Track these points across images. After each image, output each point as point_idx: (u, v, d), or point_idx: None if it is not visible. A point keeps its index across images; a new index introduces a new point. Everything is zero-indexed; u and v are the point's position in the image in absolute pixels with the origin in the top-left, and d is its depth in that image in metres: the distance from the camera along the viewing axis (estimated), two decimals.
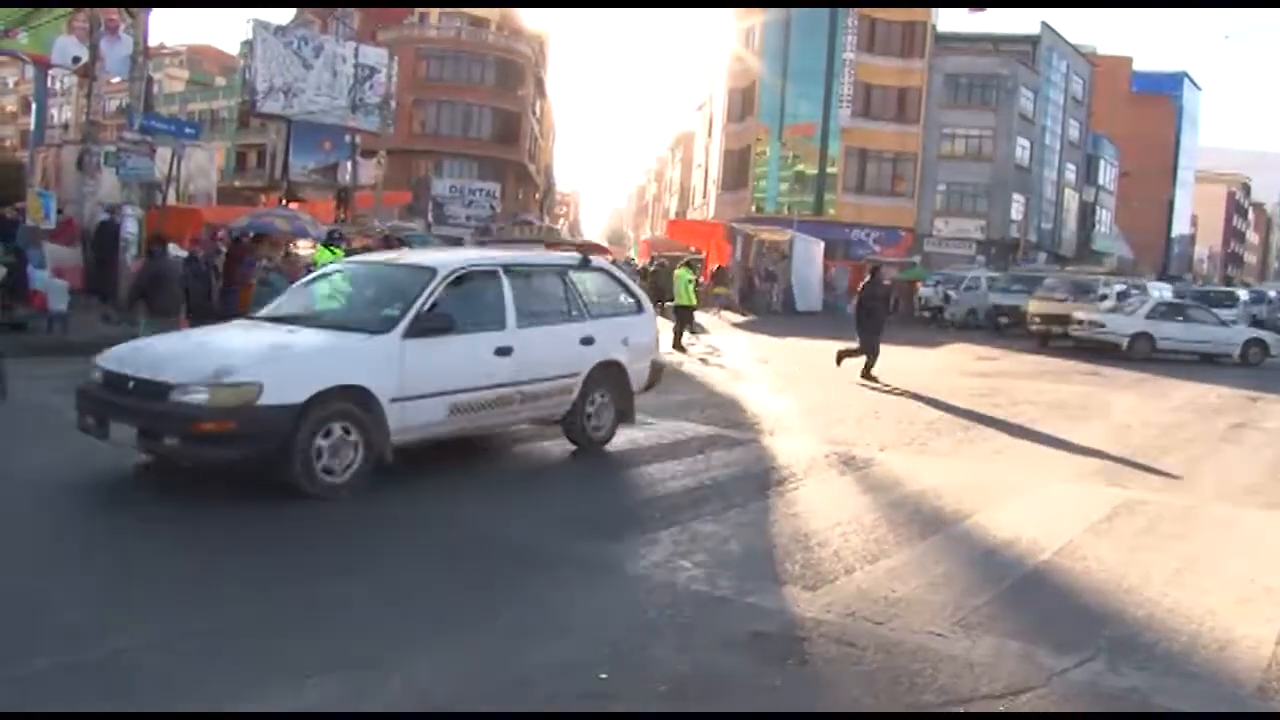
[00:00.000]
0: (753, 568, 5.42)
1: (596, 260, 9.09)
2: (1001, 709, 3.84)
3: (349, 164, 34.41)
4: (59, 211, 17.80)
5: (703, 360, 17.24)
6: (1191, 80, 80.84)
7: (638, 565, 5.33)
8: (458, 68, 57.56)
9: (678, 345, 18.53)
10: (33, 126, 43.12)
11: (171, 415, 5.99)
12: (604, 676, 3.92)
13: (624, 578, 5.14)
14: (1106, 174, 66.89)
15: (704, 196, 62.40)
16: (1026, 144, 52.62)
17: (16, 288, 13.96)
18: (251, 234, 18.30)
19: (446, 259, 7.81)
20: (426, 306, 6.89)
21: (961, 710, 3.82)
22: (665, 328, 22.99)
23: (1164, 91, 75.70)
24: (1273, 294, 35.06)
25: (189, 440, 6.00)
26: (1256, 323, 27.42)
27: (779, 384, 14.47)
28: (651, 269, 38.29)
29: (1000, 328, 29.10)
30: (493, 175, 56.41)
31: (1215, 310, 24.71)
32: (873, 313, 15.11)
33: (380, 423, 6.48)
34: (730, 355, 18.54)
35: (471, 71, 57.96)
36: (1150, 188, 69.23)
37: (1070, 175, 59.95)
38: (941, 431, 10.55)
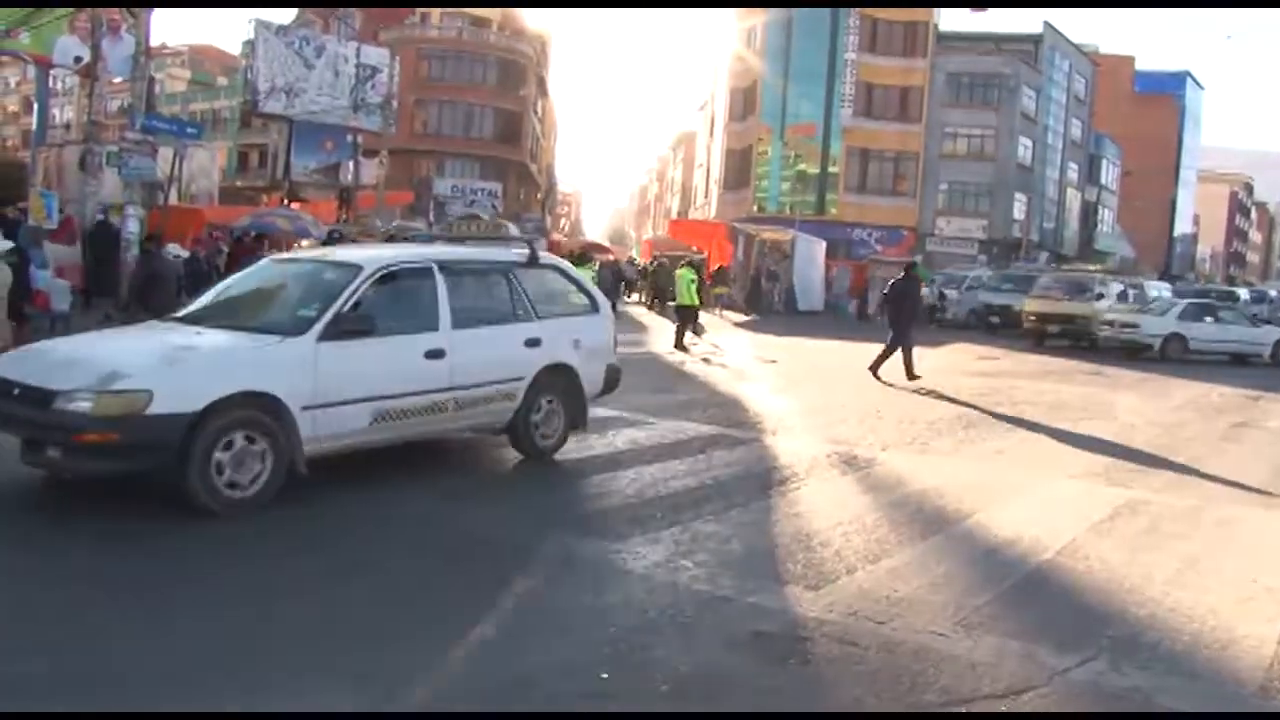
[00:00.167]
0: (754, 567, 5.42)
1: (546, 257, 8.54)
2: (1003, 709, 3.84)
3: (351, 164, 34.47)
4: (60, 211, 17.83)
5: (705, 360, 17.23)
6: (1194, 79, 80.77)
7: (639, 565, 5.33)
8: (459, 67, 57.59)
9: (679, 345, 18.55)
10: (34, 126, 43.15)
11: (53, 425, 5.53)
12: (605, 676, 3.92)
13: (625, 577, 5.13)
14: (1109, 173, 66.86)
15: (706, 196, 62.40)
16: (1029, 143, 52.61)
17: (19, 288, 13.96)
18: (253, 233, 18.34)
19: (374, 255, 7.30)
20: (347, 306, 6.45)
21: (963, 710, 3.82)
22: (666, 327, 23.15)
23: (1166, 91, 75.64)
24: (1274, 293, 35.01)
25: (71, 452, 5.55)
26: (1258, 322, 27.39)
27: (781, 383, 14.46)
28: (651, 268, 38.40)
29: (992, 327, 28.72)
30: (494, 175, 56.45)
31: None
32: (905, 310, 15.07)
33: (291, 432, 6.02)
34: (732, 355, 18.53)
35: (473, 71, 58.00)
36: (1152, 187, 69.21)
37: (1072, 174, 59.91)
38: (943, 431, 10.55)
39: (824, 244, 38.86)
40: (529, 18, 64.02)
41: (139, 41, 17.51)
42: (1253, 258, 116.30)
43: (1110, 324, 23.34)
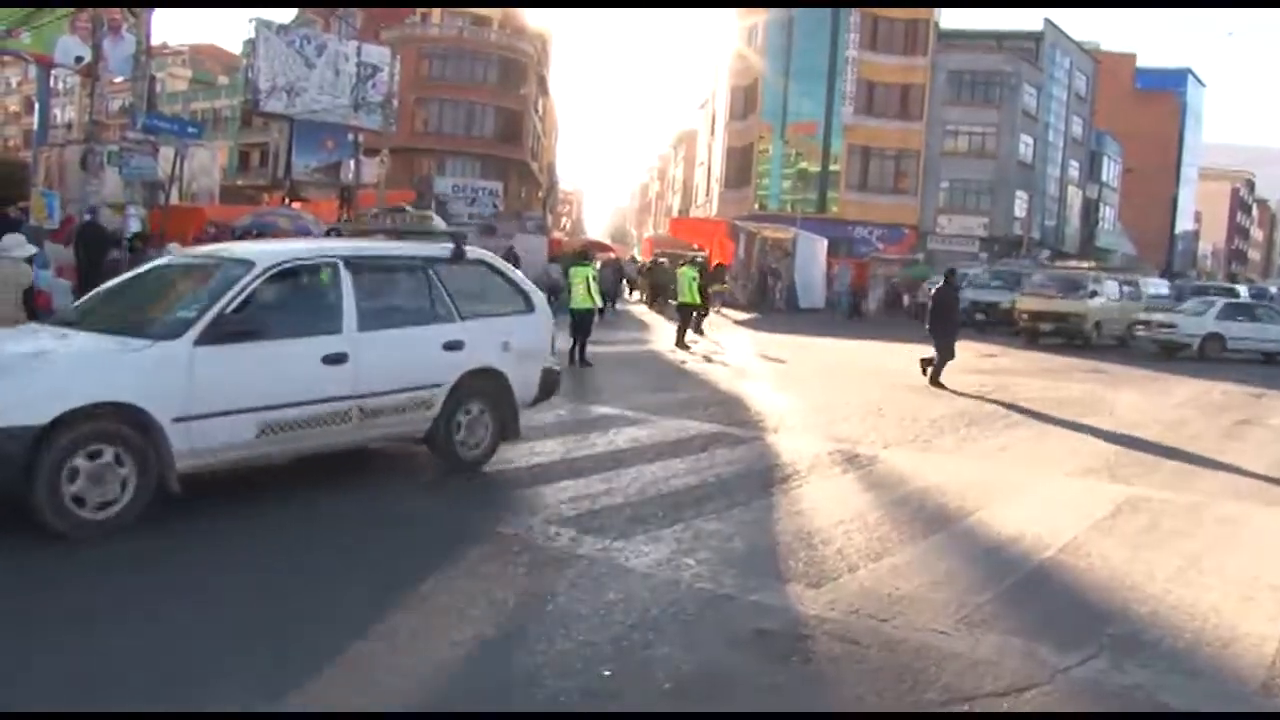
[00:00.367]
0: (756, 565, 5.43)
1: (473, 252, 7.79)
2: (1005, 707, 3.84)
3: (351, 163, 34.43)
4: (61, 210, 17.86)
5: (706, 358, 17.24)
6: (1195, 77, 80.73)
7: (641, 563, 5.33)
8: (460, 66, 57.57)
9: (680, 343, 18.58)
10: (36, 126, 43.23)
11: None
12: (608, 674, 3.92)
13: (627, 575, 5.14)
14: (1110, 171, 66.84)
15: (707, 194, 62.39)
16: (1030, 141, 52.59)
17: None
18: (255, 232, 18.34)
19: (270, 251, 6.74)
20: (231, 307, 5.87)
21: (965, 709, 3.82)
22: (665, 325, 23.17)
23: (1167, 88, 75.63)
24: (1274, 290, 34.99)
25: None
26: None
27: (782, 381, 14.47)
28: (648, 266, 38.42)
29: (979, 325, 28.17)
30: (495, 174, 56.42)
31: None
32: (945, 316, 14.81)
33: (160, 446, 5.46)
34: (733, 353, 18.54)
35: (474, 70, 57.98)
36: (1154, 184, 69.21)
37: (1074, 172, 59.89)
38: (944, 429, 10.55)
39: (825, 242, 38.89)
40: (530, 16, 64.08)
41: (140, 41, 17.56)
42: (1254, 255, 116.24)
43: (1147, 324, 23.67)
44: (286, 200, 33.35)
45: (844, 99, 49.75)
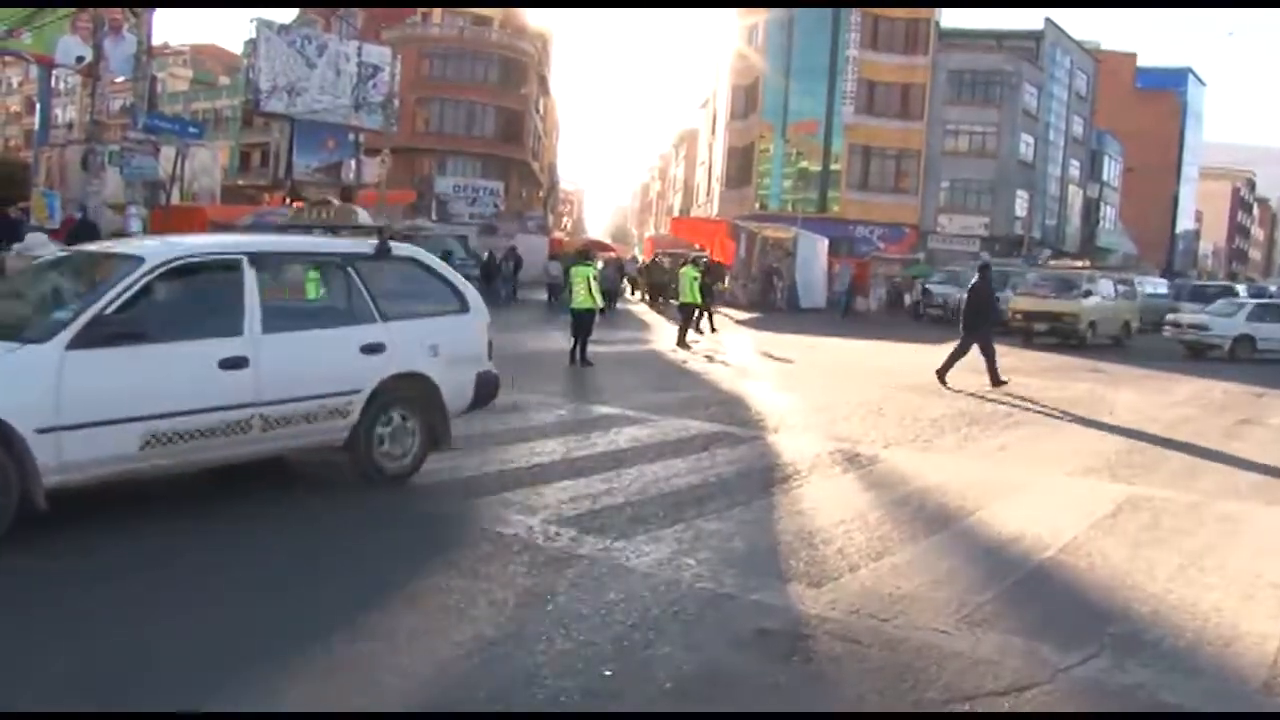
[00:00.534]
0: (757, 565, 5.42)
1: (400, 248, 7.23)
2: (1006, 706, 3.83)
3: (352, 162, 34.49)
4: (63, 210, 17.88)
5: (707, 357, 17.25)
6: (1196, 76, 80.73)
7: (642, 562, 5.33)
8: (461, 66, 57.61)
9: (682, 343, 18.61)
10: (37, 126, 43.26)
11: None
12: (608, 673, 3.92)
13: (628, 575, 5.13)
14: (1111, 170, 66.85)
15: (708, 194, 62.44)
16: (1030, 140, 52.59)
17: None
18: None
19: (165, 246, 6.20)
20: (112, 307, 5.37)
21: (966, 708, 3.81)
22: (664, 324, 23.18)
23: (1168, 87, 75.62)
24: (1273, 289, 34.95)
25: None
26: None
27: (783, 381, 14.47)
28: (646, 266, 38.47)
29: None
30: (496, 173, 56.45)
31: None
32: (981, 313, 14.62)
33: (22, 459, 4.97)
34: (734, 352, 18.54)
35: (475, 70, 58.02)
36: (1154, 183, 69.20)
37: (1074, 171, 59.89)
38: (945, 429, 10.55)
39: (826, 241, 38.90)
40: (530, 16, 64.12)
41: (141, 41, 17.58)
42: (1255, 254, 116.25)
43: (1177, 325, 23.73)
44: (287, 200, 33.37)
45: (845, 98, 49.77)
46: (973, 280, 15.62)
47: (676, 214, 76.57)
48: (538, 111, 66.27)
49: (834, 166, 50.17)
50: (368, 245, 6.88)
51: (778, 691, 3.89)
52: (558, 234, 56.72)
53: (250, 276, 5.98)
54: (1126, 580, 5.47)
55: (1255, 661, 4.41)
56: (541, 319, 24.73)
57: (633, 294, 37.36)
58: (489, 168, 56.85)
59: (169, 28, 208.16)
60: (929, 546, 5.98)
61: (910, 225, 49.80)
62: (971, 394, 13.37)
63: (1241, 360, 21.50)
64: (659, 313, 29.50)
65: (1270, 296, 32.39)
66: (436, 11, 59.09)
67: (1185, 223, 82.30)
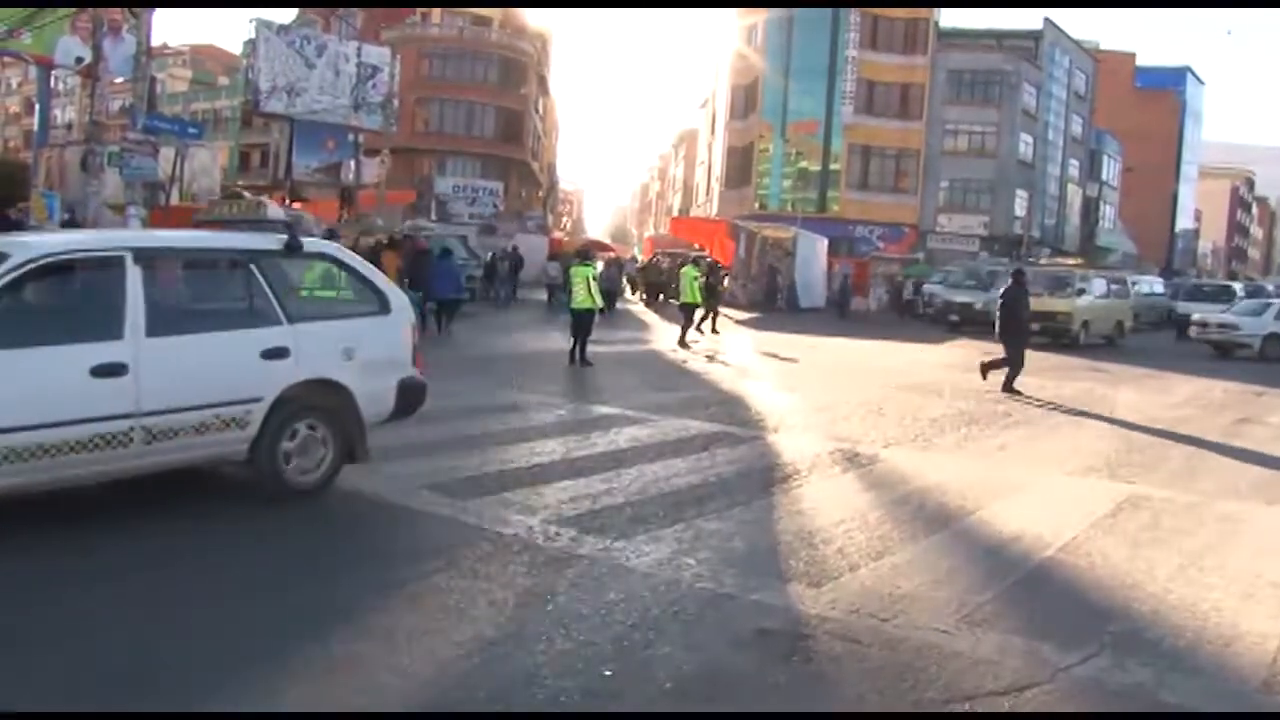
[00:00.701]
0: (757, 565, 5.43)
1: (312, 243, 6.67)
2: (1006, 706, 3.84)
3: (352, 163, 34.46)
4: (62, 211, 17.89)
5: (707, 358, 17.25)
6: (1195, 75, 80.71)
7: (642, 562, 5.33)
8: (460, 66, 57.60)
9: (682, 343, 18.62)
10: (36, 127, 43.18)
11: None
12: (608, 673, 3.92)
13: (628, 575, 5.14)
14: (1110, 169, 66.84)
15: (707, 194, 62.44)
16: (1029, 140, 52.58)
17: None
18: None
19: (35, 242, 5.70)
20: None
21: (966, 708, 3.81)
22: (663, 324, 23.19)
23: (1167, 86, 75.63)
24: (1271, 288, 34.90)
25: None
26: None
27: (782, 381, 14.47)
28: (644, 266, 38.48)
29: (953, 325, 27.76)
30: (496, 173, 56.44)
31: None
32: (1016, 318, 14.26)
33: None
34: (734, 352, 18.54)
35: (474, 70, 58.01)
36: (1154, 183, 69.19)
37: (1074, 170, 59.89)
38: (945, 428, 10.55)
39: (825, 241, 38.88)
40: (530, 16, 64.11)
41: (140, 41, 17.55)
42: (1254, 253, 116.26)
43: (1204, 325, 23.76)
44: (287, 201, 33.35)
45: (844, 98, 49.76)
46: (1005, 286, 15.12)
47: (676, 214, 76.55)
48: (537, 111, 66.27)
49: (833, 166, 50.16)
50: (275, 241, 6.35)
51: (778, 691, 3.89)
52: (557, 234, 56.67)
53: (134, 275, 5.46)
54: (1126, 580, 5.47)
55: (1255, 661, 4.41)
56: (541, 319, 24.74)
57: (632, 294, 37.38)
58: (489, 168, 56.85)
59: (168, 28, 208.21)
60: (929, 546, 5.98)
61: (910, 225, 49.79)
62: (971, 392, 13.38)
63: (1271, 359, 21.48)
64: (657, 313, 29.49)
65: (1269, 296, 32.40)
66: (436, 11, 59.07)
67: (1184, 222, 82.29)
